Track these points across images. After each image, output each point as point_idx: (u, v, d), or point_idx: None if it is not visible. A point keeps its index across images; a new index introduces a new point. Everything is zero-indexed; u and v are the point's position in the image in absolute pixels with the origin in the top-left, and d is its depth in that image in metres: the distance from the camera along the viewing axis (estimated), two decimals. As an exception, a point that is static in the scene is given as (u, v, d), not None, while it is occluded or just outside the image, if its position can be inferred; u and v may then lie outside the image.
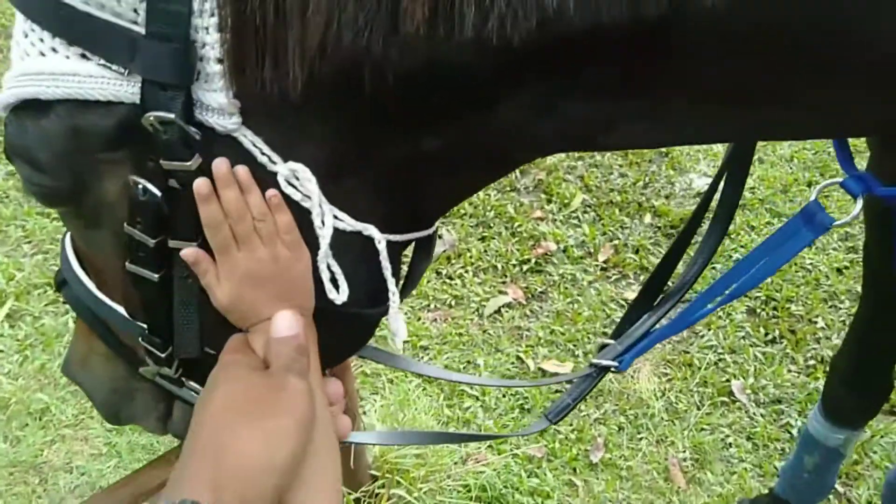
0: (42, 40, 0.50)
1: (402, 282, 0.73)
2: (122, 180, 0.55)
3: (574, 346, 2.03)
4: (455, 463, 1.59)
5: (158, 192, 0.53)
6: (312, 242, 0.58)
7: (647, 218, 2.51)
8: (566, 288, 2.23)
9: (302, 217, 0.57)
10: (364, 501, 1.42)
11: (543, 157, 0.76)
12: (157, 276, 0.58)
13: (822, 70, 0.56)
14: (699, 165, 2.73)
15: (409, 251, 0.73)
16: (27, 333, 2.13)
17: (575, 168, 2.78)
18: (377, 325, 0.72)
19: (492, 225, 2.53)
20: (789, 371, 1.95)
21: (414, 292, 2.16)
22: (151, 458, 1.75)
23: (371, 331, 0.73)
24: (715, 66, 0.55)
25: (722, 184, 0.93)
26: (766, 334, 2.05)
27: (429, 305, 2.19)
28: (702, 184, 2.65)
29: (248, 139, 0.53)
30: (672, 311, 0.96)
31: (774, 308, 2.12)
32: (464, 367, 1.97)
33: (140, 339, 0.67)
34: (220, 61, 0.49)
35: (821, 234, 0.81)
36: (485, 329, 2.09)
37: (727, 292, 0.88)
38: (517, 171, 2.78)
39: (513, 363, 1.98)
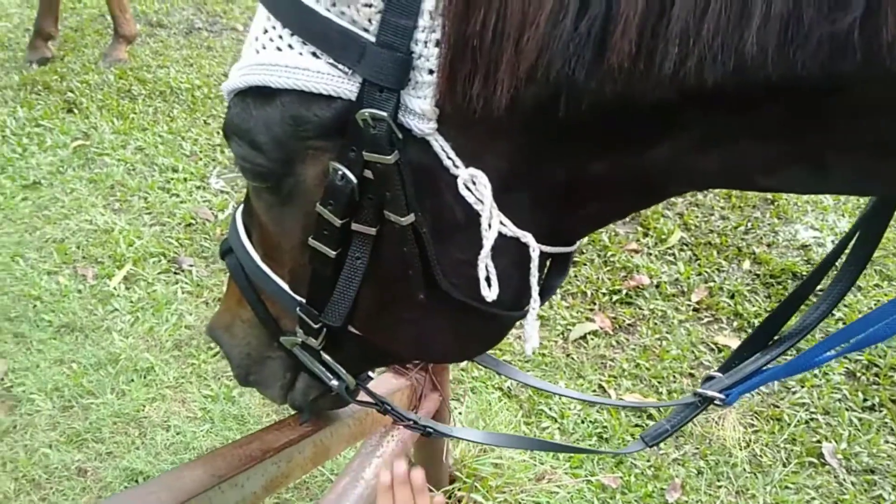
0: (281, 37, 0.57)
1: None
2: (323, 166, 0.60)
3: (659, 382, 2.00)
4: (530, 479, 1.60)
5: (354, 180, 0.59)
6: (476, 243, 0.62)
7: (746, 264, 2.45)
8: (655, 324, 2.20)
9: (470, 219, 0.61)
10: (440, 502, 1.46)
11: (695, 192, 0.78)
12: (334, 253, 0.64)
13: None
14: (806, 217, 2.65)
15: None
16: (140, 297, 2.30)
17: (675, 205, 2.75)
18: (510, 328, 0.76)
19: (584, 251, 2.54)
20: (886, 442, 1.86)
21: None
22: (241, 428, 1.85)
23: (504, 333, 0.77)
24: (889, 121, 0.56)
25: (855, 238, 0.91)
26: (865, 400, 1.95)
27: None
28: (807, 236, 2.57)
29: (439, 143, 0.58)
30: (783, 358, 0.95)
31: (876, 374, 2.02)
32: (543, 393, 1.98)
33: (297, 309, 0.73)
34: (431, 72, 0.54)
35: None
36: (569, 353, 2.09)
37: (851, 342, 0.86)
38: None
39: (594, 391, 1.97)
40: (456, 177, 0.59)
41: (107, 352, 2.08)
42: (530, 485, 1.57)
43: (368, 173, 0.59)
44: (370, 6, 0.54)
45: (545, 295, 0.78)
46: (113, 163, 2.96)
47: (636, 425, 1.86)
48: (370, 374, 0.97)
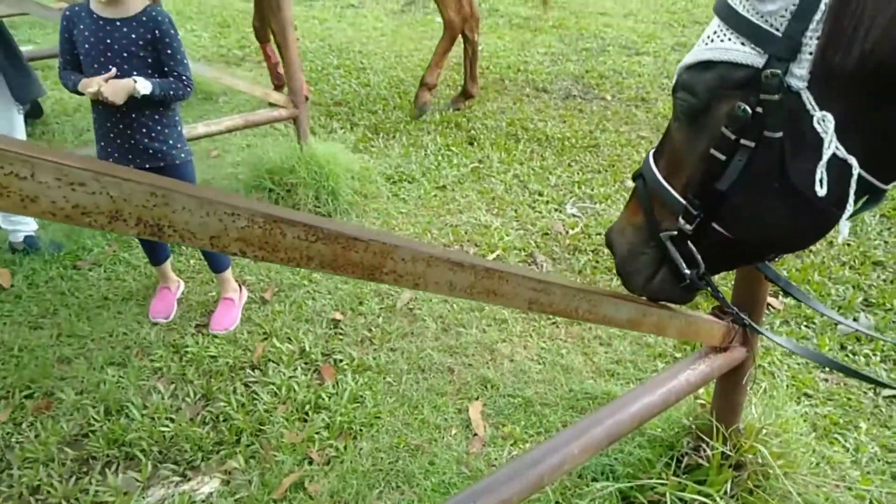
0: (724, 34, 1.05)
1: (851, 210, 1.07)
2: (731, 105, 1.04)
3: (978, 453, 1.95)
4: (815, 473, 1.77)
5: (750, 111, 1.02)
6: (818, 157, 0.99)
7: None
8: None
9: (818, 142, 0.99)
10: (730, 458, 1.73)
11: None
12: (724, 157, 1.08)
13: None
14: None
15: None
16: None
17: None
18: (832, 225, 1.07)
19: (917, 328, 2.51)
20: None
21: (814, 366, 2.34)
22: (568, 375, 2.34)
23: (828, 227, 1.05)
24: None
25: None
26: None
27: (824, 370, 2.34)
28: None
29: (805, 95, 0.98)
30: None
31: None
32: (843, 423, 2.09)
33: (680, 203, 1.17)
34: (811, 53, 0.97)
35: None
36: (877, 405, 2.15)
37: None
38: (967, 292, 2.67)
39: (898, 440, 2.01)
40: (813, 116, 0.98)
41: (474, 303, 2.79)
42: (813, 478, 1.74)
43: (759, 109, 1.02)
44: (783, 17, 0.99)
45: (858, 212, 1.08)
46: (497, 182, 3.83)
47: (941, 484, 1.86)
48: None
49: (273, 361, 2.49)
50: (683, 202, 1.15)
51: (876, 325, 2.54)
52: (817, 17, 0.93)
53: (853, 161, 0.99)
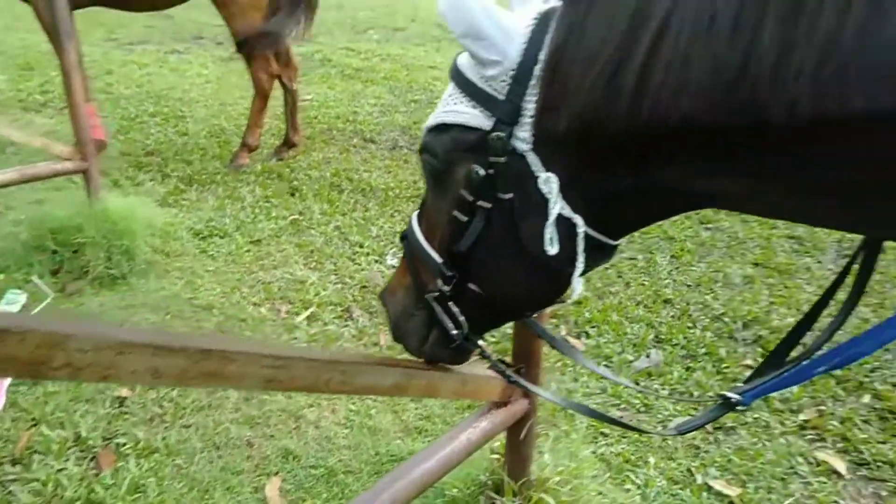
0: (458, 97, 1.04)
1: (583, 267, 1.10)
2: (467, 166, 1.04)
3: (748, 477, 2.11)
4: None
5: (483, 173, 1.02)
6: (546, 217, 1.00)
7: (866, 398, 2.48)
8: (756, 430, 2.32)
9: (545, 201, 1.00)
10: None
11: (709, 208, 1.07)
12: (465, 219, 1.07)
13: None
14: (943, 366, 2.61)
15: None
16: (316, 332, 2.87)
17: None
18: (568, 284, 1.09)
19: (700, 360, 2.72)
20: None
21: (613, 398, 2.45)
22: (374, 437, 2.25)
23: (563, 285, 1.08)
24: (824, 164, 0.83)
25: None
26: None
27: (620, 405, 2.45)
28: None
29: (531, 157, 0.99)
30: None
31: None
32: (634, 460, 2.18)
33: (438, 265, 1.14)
34: (531, 117, 0.97)
35: None
36: (665, 439, 2.27)
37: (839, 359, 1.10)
38: (741, 322, 2.95)
39: (682, 472, 2.13)
40: (538, 177, 1.00)
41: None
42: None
43: (491, 170, 1.02)
44: (504, 82, 0.99)
45: (592, 268, 1.10)
46: (317, 234, 3.72)
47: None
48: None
49: (39, 452, 2.16)
50: (439, 263, 1.14)
51: (664, 358, 2.71)
52: (532, 82, 0.95)
53: (579, 220, 1.01)
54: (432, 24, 10.35)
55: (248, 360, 1.02)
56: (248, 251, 3.52)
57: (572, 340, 2.83)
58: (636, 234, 3.60)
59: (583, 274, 1.06)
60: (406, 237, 1.22)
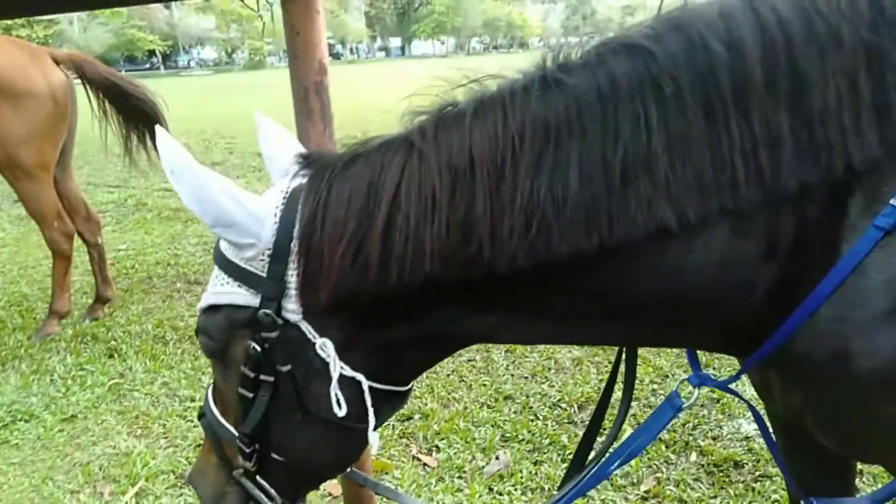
0: (224, 279, 1.05)
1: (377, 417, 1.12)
2: (244, 343, 1.04)
3: (603, 563, 2.16)
4: None
5: (259, 349, 1.02)
6: (329, 381, 1.03)
7: (693, 456, 2.69)
8: (605, 512, 2.41)
9: (325, 366, 1.03)
10: None
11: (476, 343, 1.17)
12: (251, 395, 1.06)
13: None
14: (748, 413, 2.92)
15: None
16: (147, 509, 2.59)
17: (630, 408, 3.06)
18: (364, 441, 1.11)
19: (546, 451, 2.81)
20: None
21: None
22: None
23: (361, 445, 1.12)
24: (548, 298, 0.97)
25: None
26: None
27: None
28: (749, 429, 2.82)
29: (304, 325, 1.01)
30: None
31: None
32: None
33: (236, 440, 1.11)
34: (296, 289, 1.00)
35: (678, 412, 1.16)
36: (523, 540, 2.28)
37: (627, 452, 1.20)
38: (576, 405, 3.11)
39: (544, 574, 2.13)
40: (315, 343, 1.03)
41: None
42: None
43: (267, 345, 1.03)
44: (262, 261, 1.02)
45: (382, 418, 1.13)
46: (141, 397, 3.43)
47: None
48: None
49: None
50: (237, 438, 1.10)
51: (513, 457, 2.76)
52: (291, 258, 0.99)
53: (361, 377, 1.04)
54: (251, 154, 10.43)
55: None
56: (60, 431, 3.15)
57: (424, 458, 2.80)
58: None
59: (377, 427, 1.08)
60: (204, 414, 1.18)
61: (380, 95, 16.73)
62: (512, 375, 3.47)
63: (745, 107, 0.86)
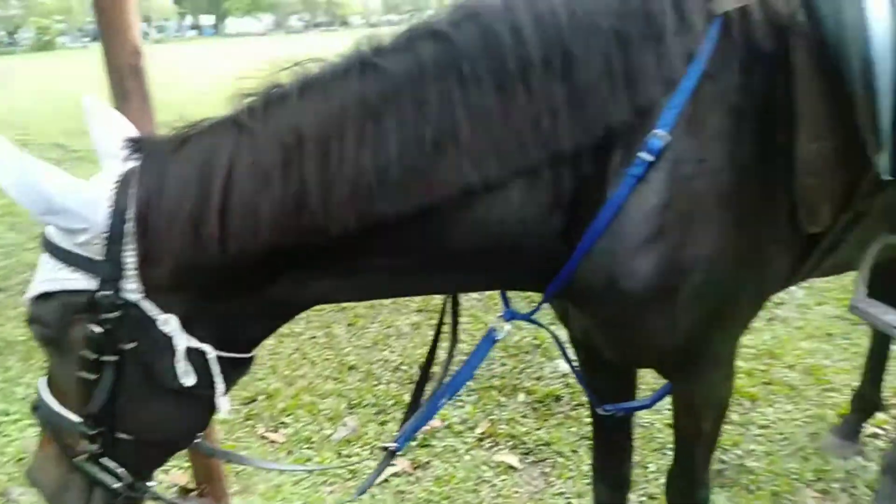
0: (55, 265, 1.04)
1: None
2: (83, 327, 1.04)
3: (447, 501, 2.37)
4: None
5: (100, 330, 1.03)
6: (173, 353, 1.06)
7: (521, 396, 2.99)
8: (447, 457, 2.62)
9: (169, 342, 1.06)
10: None
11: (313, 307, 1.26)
12: (94, 376, 1.06)
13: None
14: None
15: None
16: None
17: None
18: (214, 407, 1.16)
19: (390, 412, 2.96)
20: (629, 509, 2.31)
21: (322, 476, 2.52)
22: None
23: (211, 410, 1.17)
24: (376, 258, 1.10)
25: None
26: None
27: (327, 481, 2.54)
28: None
29: (145, 304, 1.04)
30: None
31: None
32: (352, 526, 2.28)
33: (79, 426, 1.10)
34: (135, 269, 1.02)
35: (494, 343, 1.34)
36: (374, 494, 2.43)
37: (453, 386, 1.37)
38: (416, 366, 3.30)
39: (394, 521, 2.29)
40: (157, 320, 1.06)
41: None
42: None
43: (109, 326, 1.04)
44: (97, 244, 1.03)
45: (229, 385, 1.20)
46: (-58, 418, 3.08)
47: (432, 541, 2.18)
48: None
49: None
50: (79, 423, 1.10)
51: (360, 422, 2.89)
52: (127, 239, 1.01)
53: (208, 348, 1.09)
54: (49, 146, 9.42)
55: None
56: None
57: (271, 436, 2.84)
58: (312, 312, 3.76)
59: (226, 392, 1.15)
60: (39, 407, 1.16)
61: (197, 78, 15.77)
62: (354, 347, 3.58)
63: (528, 82, 1.04)
